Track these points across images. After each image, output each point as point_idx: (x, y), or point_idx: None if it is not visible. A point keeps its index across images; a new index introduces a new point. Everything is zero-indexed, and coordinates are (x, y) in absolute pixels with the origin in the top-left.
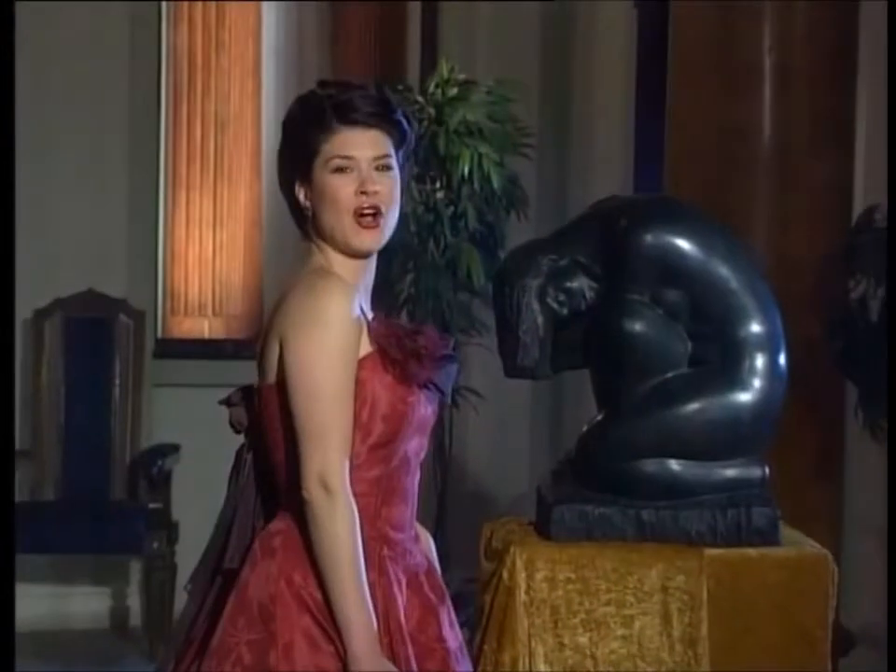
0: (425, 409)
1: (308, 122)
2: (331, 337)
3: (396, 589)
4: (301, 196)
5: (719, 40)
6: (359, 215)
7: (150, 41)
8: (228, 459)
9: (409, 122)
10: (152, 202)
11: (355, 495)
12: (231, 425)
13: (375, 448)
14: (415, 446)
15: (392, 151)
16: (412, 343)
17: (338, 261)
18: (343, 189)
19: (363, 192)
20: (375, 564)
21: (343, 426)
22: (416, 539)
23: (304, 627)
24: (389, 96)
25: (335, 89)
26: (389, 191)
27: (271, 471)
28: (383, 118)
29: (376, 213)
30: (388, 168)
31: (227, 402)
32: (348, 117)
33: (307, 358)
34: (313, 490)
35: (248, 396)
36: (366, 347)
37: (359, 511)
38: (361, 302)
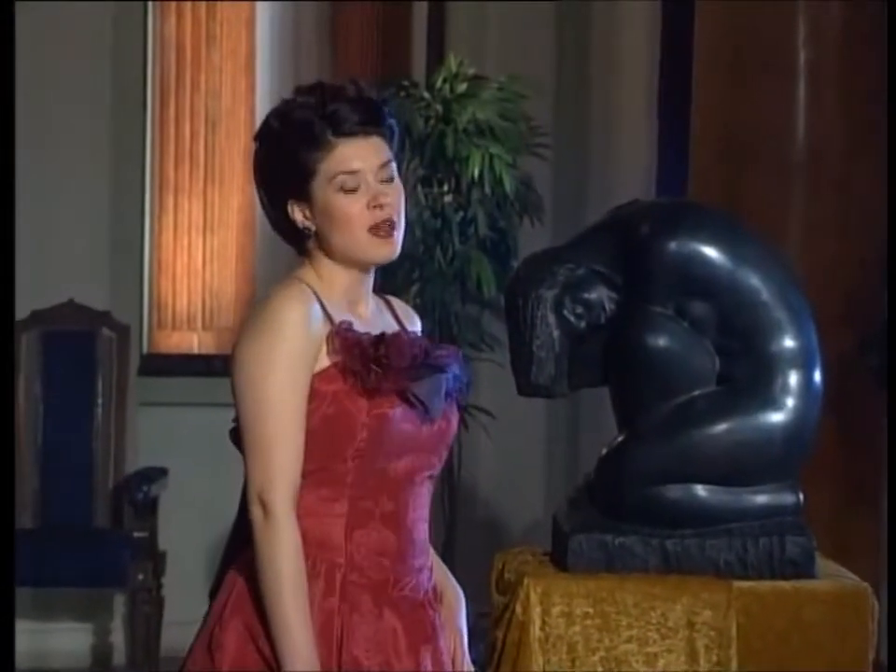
0: (413, 424)
1: (298, 140)
2: (278, 346)
3: (358, 618)
4: (299, 216)
5: (748, 34)
6: (376, 228)
7: (136, 34)
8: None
9: (394, 117)
10: (137, 206)
11: (315, 516)
12: (234, 443)
13: (341, 464)
14: (406, 467)
15: (391, 155)
16: (374, 352)
17: (331, 273)
18: (353, 207)
19: (376, 206)
20: (337, 589)
21: (288, 441)
22: (422, 569)
23: (248, 661)
24: (373, 94)
25: (313, 96)
26: (396, 201)
27: None
28: (377, 121)
29: (390, 225)
30: (392, 176)
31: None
32: (343, 128)
33: (250, 367)
34: (253, 511)
35: None
36: (327, 359)
37: (326, 536)
38: (342, 312)
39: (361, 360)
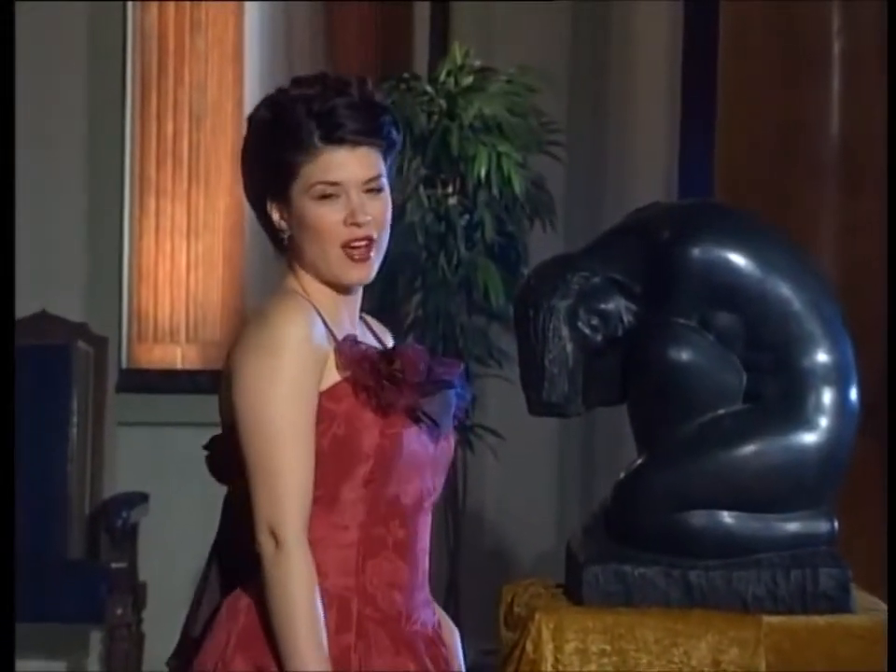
0: (422, 444)
1: (284, 138)
2: (283, 365)
3: (376, 656)
4: (276, 216)
5: (779, 22)
6: (349, 247)
7: (114, 21)
8: (204, 511)
9: (397, 127)
10: (116, 209)
11: (327, 547)
12: (213, 472)
13: (353, 490)
14: (414, 491)
15: (383, 169)
16: (386, 367)
17: (315, 287)
18: (328, 219)
19: (353, 224)
20: (353, 625)
21: (299, 467)
22: (427, 603)
23: None
24: (377, 99)
25: (312, 91)
26: (381, 215)
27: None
28: (372, 132)
29: (368, 243)
30: (380, 190)
31: (209, 447)
32: (333, 135)
33: (254, 390)
34: (263, 543)
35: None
36: (335, 375)
37: (337, 566)
38: (337, 327)
39: (373, 375)
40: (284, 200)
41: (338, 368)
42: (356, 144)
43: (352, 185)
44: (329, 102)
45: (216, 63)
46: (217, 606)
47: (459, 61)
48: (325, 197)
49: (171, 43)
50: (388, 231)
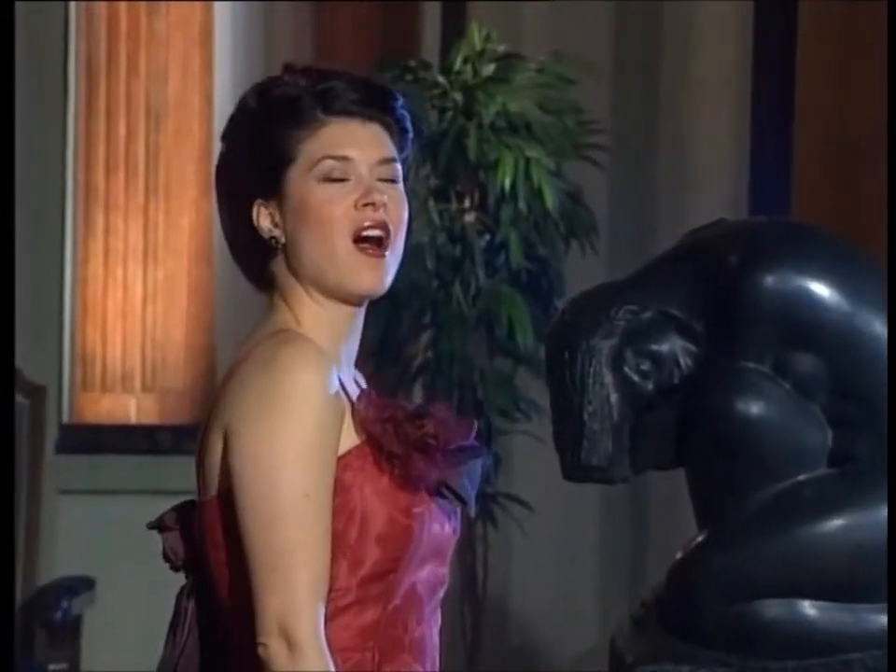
0: (441, 524)
1: (277, 115)
2: (298, 425)
3: None
4: (266, 221)
5: (863, 14)
6: (360, 239)
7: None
8: (161, 599)
9: (412, 123)
10: (55, 227)
11: (340, 650)
12: (166, 557)
13: (368, 582)
14: (428, 578)
15: (396, 154)
16: (415, 431)
17: (313, 315)
18: (337, 203)
19: (368, 204)
20: None
21: (315, 553)
22: None
23: None
24: (386, 83)
25: (308, 75)
26: (397, 210)
27: (218, 620)
28: (382, 107)
29: (383, 236)
30: (395, 177)
31: (158, 526)
32: (336, 105)
33: (262, 457)
34: (271, 644)
35: (188, 515)
36: (351, 438)
37: None
38: (342, 375)
39: (400, 441)
40: (276, 195)
41: (352, 428)
42: (364, 117)
43: (364, 164)
44: (330, 80)
45: (178, 48)
46: None
47: (478, 45)
48: (332, 179)
49: (123, 24)
50: (404, 236)
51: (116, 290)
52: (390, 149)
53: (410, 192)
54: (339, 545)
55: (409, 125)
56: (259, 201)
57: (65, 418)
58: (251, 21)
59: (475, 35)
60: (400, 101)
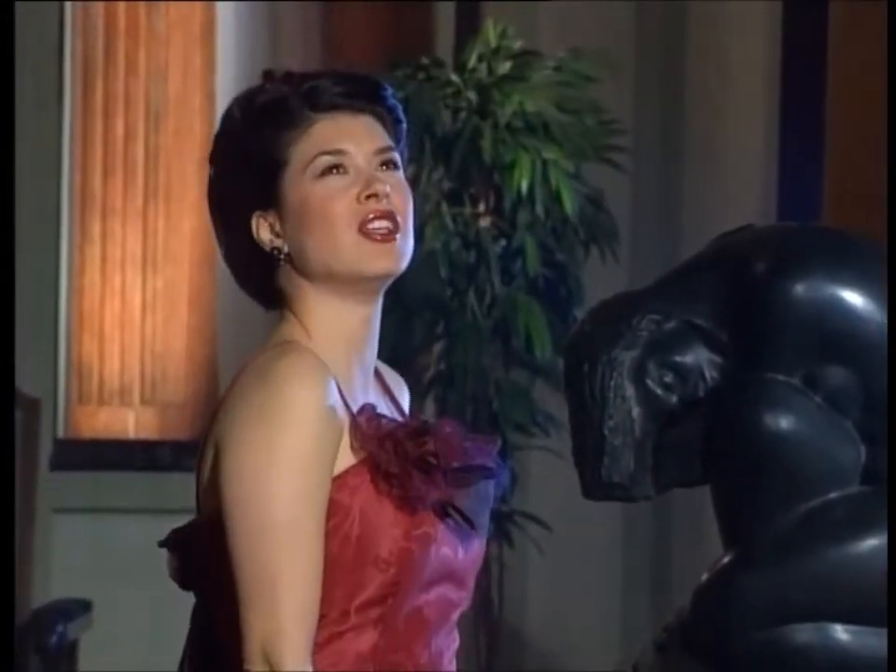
0: (453, 547)
1: (265, 122)
2: (289, 442)
3: None
4: (266, 233)
5: None
6: (368, 225)
7: None
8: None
9: (403, 107)
10: (50, 233)
11: None
12: (175, 577)
13: (366, 607)
14: (438, 601)
15: (392, 142)
16: (416, 449)
17: (324, 324)
18: (338, 198)
19: (371, 195)
20: None
21: (304, 578)
22: None
23: None
24: (372, 75)
25: (290, 79)
26: (401, 197)
27: (219, 642)
28: (373, 98)
29: (391, 227)
30: (395, 162)
31: (167, 544)
32: (323, 101)
33: (250, 474)
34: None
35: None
36: (349, 456)
37: None
38: (354, 387)
39: (399, 460)
40: (275, 202)
41: (350, 447)
42: (353, 109)
43: (360, 155)
44: (314, 80)
45: (179, 47)
46: None
47: (494, 42)
48: (329, 171)
49: (121, 20)
50: (411, 224)
51: (113, 299)
52: (386, 139)
53: (421, 196)
54: (334, 570)
55: (401, 115)
56: (257, 212)
57: (60, 433)
58: (255, 18)
59: (490, 31)
60: (390, 91)
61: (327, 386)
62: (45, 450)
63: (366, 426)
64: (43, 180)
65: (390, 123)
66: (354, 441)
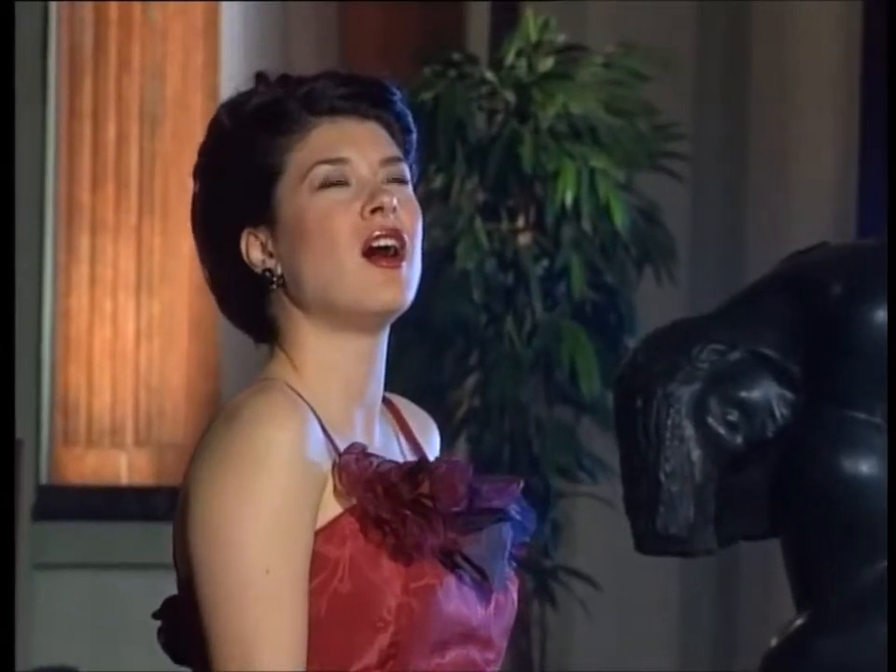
0: (466, 601)
1: (257, 128)
2: (258, 488)
3: None
4: (257, 252)
5: None
6: (371, 251)
7: None
8: None
9: (412, 112)
10: (33, 252)
11: None
12: (167, 649)
13: (364, 671)
14: (455, 664)
15: (400, 153)
16: (410, 490)
17: (316, 359)
18: (339, 213)
19: (376, 209)
20: None
21: (279, 640)
22: None
23: None
24: (381, 79)
25: (285, 82)
26: (411, 214)
27: None
28: (379, 102)
29: (397, 246)
30: (403, 177)
31: (161, 614)
32: (323, 103)
33: (215, 526)
34: None
35: None
36: (334, 504)
37: None
38: (361, 428)
39: (390, 504)
40: (267, 217)
41: (336, 493)
42: (358, 115)
43: (363, 164)
44: (312, 82)
45: (177, 43)
46: None
47: (534, 36)
48: (329, 185)
49: (113, 11)
50: (419, 248)
51: (104, 326)
52: (393, 148)
53: (452, 210)
54: (324, 632)
55: (411, 123)
56: (248, 229)
57: (44, 478)
58: (263, 10)
59: (530, 24)
60: (398, 94)
61: (302, 426)
62: (26, 497)
63: (353, 466)
64: (23, 191)
65: (398, 132)
66: (339, 486)
